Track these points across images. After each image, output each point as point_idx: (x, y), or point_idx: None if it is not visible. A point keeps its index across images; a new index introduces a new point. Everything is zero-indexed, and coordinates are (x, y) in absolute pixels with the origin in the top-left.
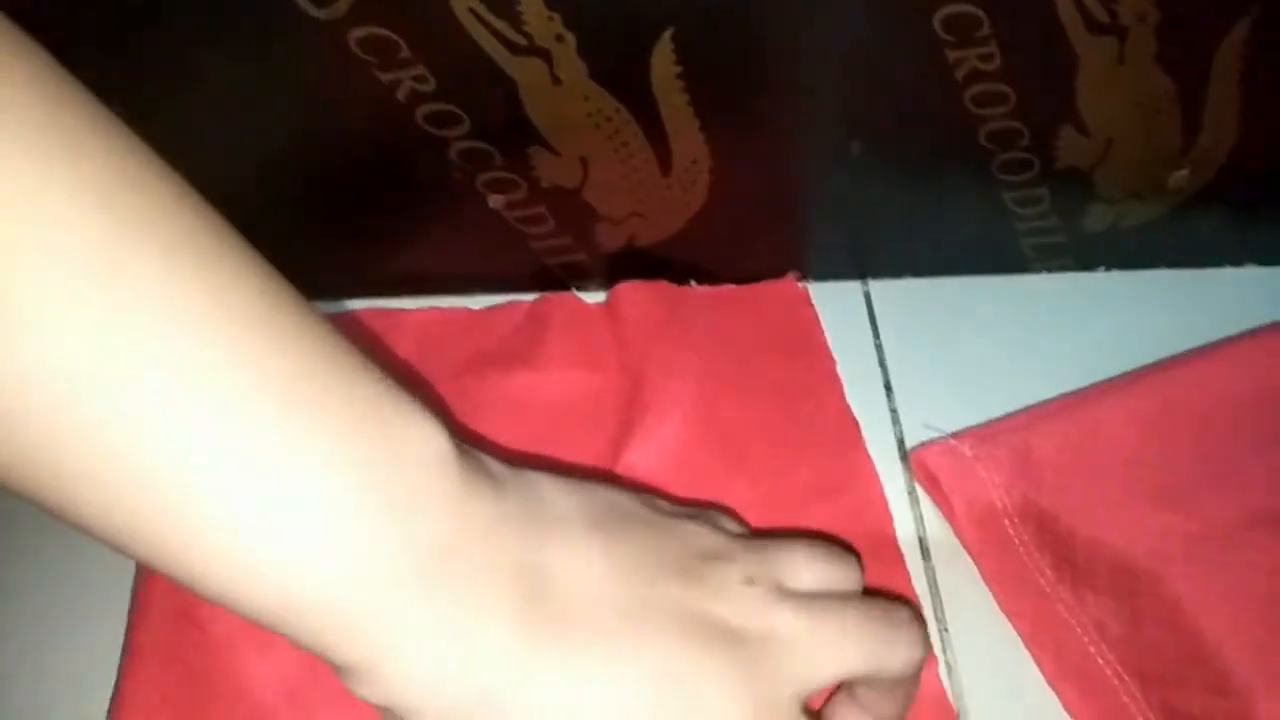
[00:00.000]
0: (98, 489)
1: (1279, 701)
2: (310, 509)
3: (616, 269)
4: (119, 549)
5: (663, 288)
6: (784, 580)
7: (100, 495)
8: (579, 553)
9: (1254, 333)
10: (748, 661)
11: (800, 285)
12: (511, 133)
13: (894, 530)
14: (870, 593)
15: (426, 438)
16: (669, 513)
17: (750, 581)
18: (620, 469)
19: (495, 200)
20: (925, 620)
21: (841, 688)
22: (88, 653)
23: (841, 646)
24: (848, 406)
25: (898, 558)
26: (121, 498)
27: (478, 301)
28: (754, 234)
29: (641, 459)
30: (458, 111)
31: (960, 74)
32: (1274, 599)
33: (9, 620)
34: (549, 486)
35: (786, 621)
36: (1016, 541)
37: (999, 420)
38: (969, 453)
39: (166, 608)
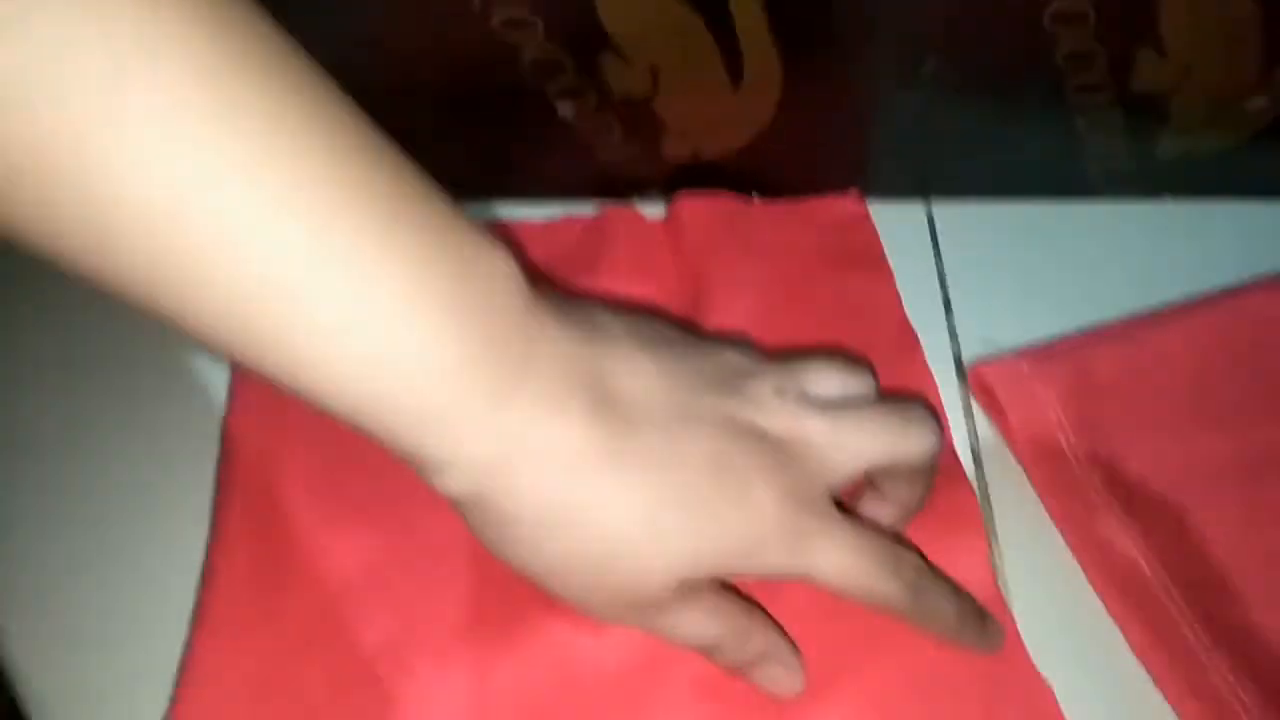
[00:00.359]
0: (203, 291)
1: None
2: (397, 314)
3: (680, 181)
4: (216, 348)
5: (723, 201)
6: (808, 389)
7: (202, 295)
8: (634, 366)
9: None
10: (784, 459)
11: (861, 201)
12: (584, 40)
13: (950, 436)
14: (887, 396)
15: (499, 260)
16: (706, 339)
17: (780, 392)
18: None
19: (565, 108)
20: (939, 414)
21: (866, 485)
22: (174, 535)
23: (860, 441)
24: (906, 319)
25: (955, 463)
26: (223, 300)
27: (541, 210)
28: (819, 150)
29: None
30: (531, 18)
31: None
32: None
33: (96, 503)
34: (603, 312)
35: (813, 424)
36: (1070, 455)
37: (1058, 340)
38: (1027, 369)
39: (250, 487)
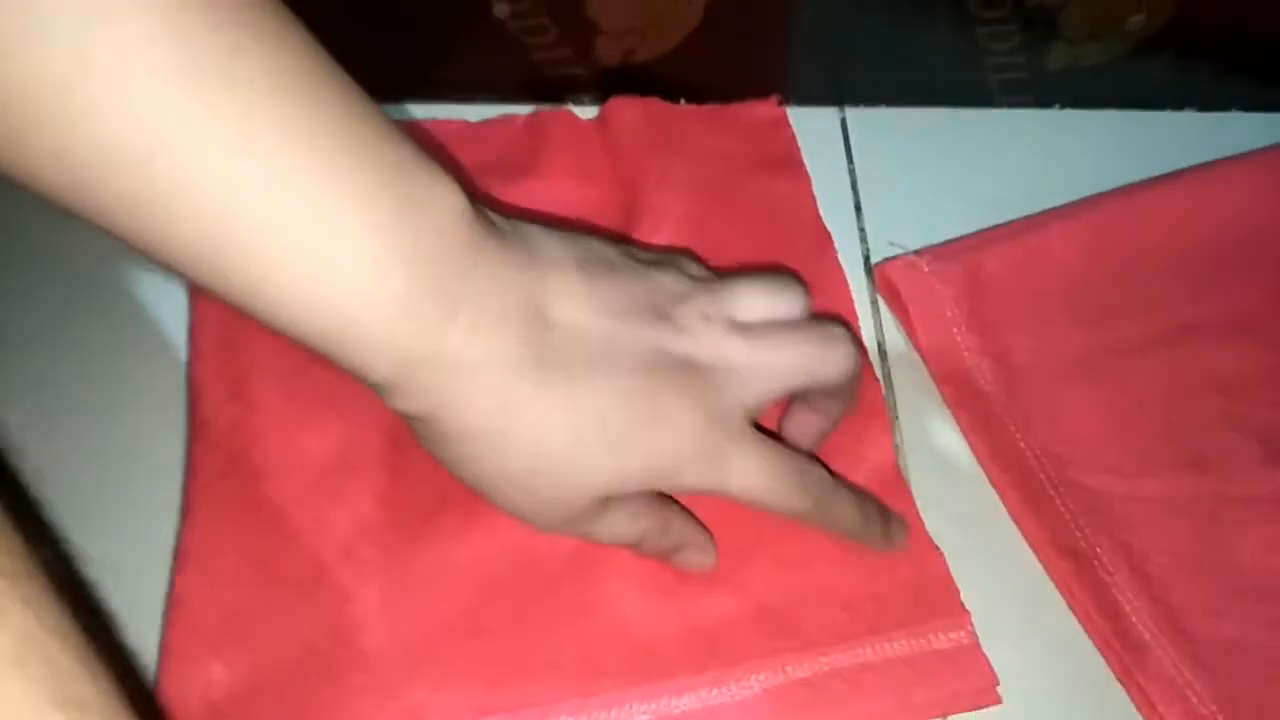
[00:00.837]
0: (170, 227)
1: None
2: (346, 245)
3: (612, 84)
4: (187, 276)
5: (652, 104)
6: (736, 314)
7: (169, 231)
8: (569, 290)
9: (1183, 172)
10: (705, 385)
11: (780, 107)
12: None
13: (859, 326)
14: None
15: (448, 192)
16: (643, 260)
17: (706, 318)
18: None
19: (500, 9)
20: (859, 336)
21: (795, 399)
22: (154, 437)
23: (779, 365)
24: (821, 221)
25: (863, 350)
26: (190, 235)
27: (474, 111)
28: (742, 57)
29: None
30: None
31: None
32: (1173, 403)
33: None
34: (542, 235)
35: (735, 349)
36: (963, 347)
37: (956, 240)
38: (926, 268)
39: (218, 388)
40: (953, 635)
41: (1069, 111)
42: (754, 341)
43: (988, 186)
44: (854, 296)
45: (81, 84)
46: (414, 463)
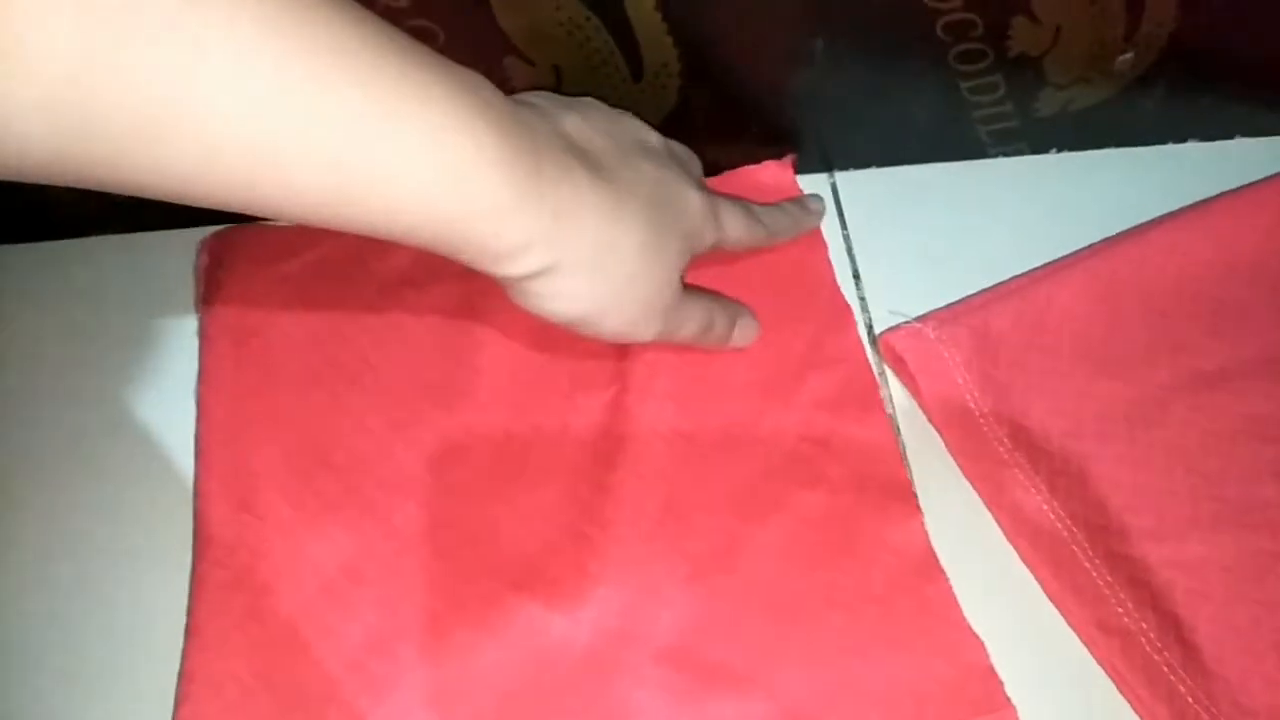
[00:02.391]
0: (302, 180)
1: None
2: (442, 142)
3: None
4: (307, 218)
5: None
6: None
7: (297, 184)
8: (574, 124)
9: (1190, 208)
10: (687, 172)
11: (788, 167)
12: (486, 44)
13: (880, 395)
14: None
15: (481, 79)
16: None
17: (700, 187)
18: (629, 359)
19: None
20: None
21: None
22: (160, 554)
23: (729, 226)
24: (837, 287)
25: (884, 421)
26: (319, 183)
27: None
28: (724, 132)
29: (646, 347)
30: (433, 26)
31: None
32: (1205, 454)
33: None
34: (547, 102)
35: (695, 198)
36: (977, 414)
37: (959, 302)
38: (932, 335)
39: (226, 500)
40: None
41: (1066, 155)
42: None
43: (988, 240)
44: None
45: (195, 77)
46: (424, 570)
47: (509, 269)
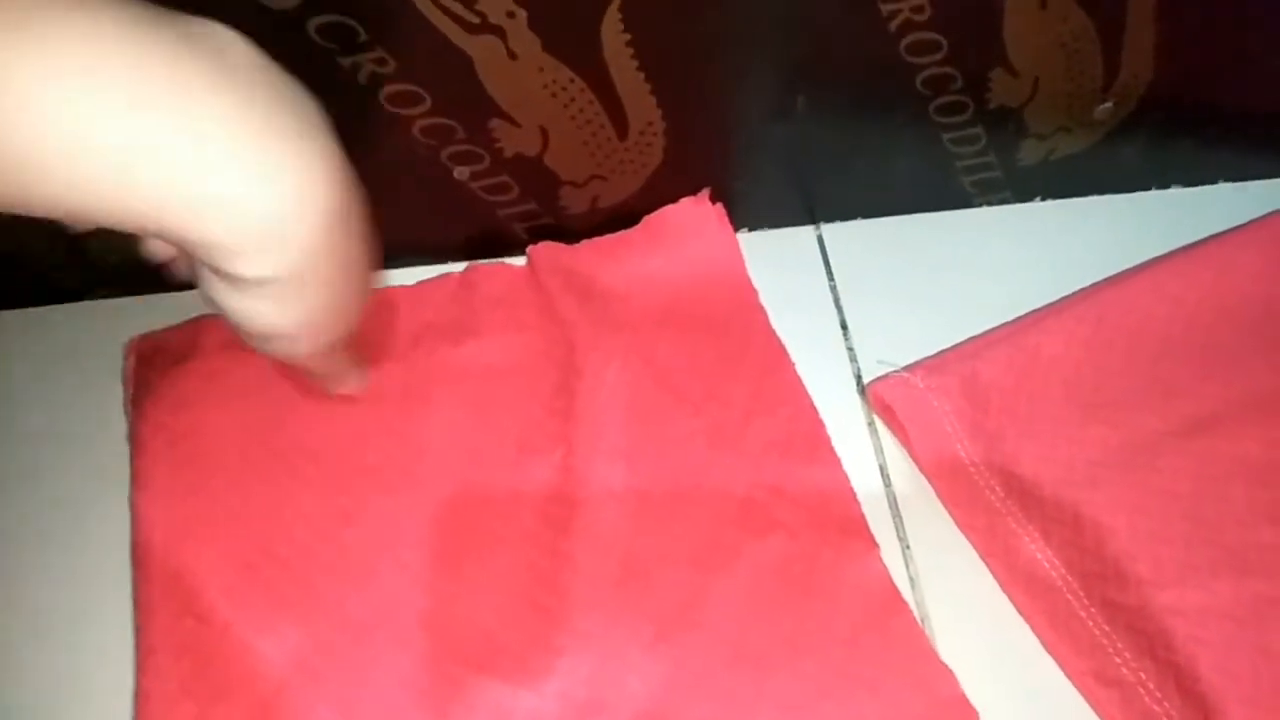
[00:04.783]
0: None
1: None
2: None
3: (585, 227)
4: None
5: (576, 247)
6: None
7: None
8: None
9: (1176, 252)
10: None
11: (704, 200)
12: (472, 108)
13: (827, 433)
14: None
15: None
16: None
17: None
18: (573, 420)
19: (461, 172)
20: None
21: None
22: (101, 660)
23: None
24: (771, 329)
25: (834, 459)
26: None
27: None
28: (710, 186)
29: (589, 407)
30: (419, 90)
31: (894, 25)
32: (1200, 498)
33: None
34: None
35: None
36: (968, 463)
37: (948, 350)
38: (921, 384)
39: (168, 608)
40: None
41: (1050, 203)
42: None
43: (974, 288)
44: (848, 419)
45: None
46: (381, 660)
47: (236, 266)
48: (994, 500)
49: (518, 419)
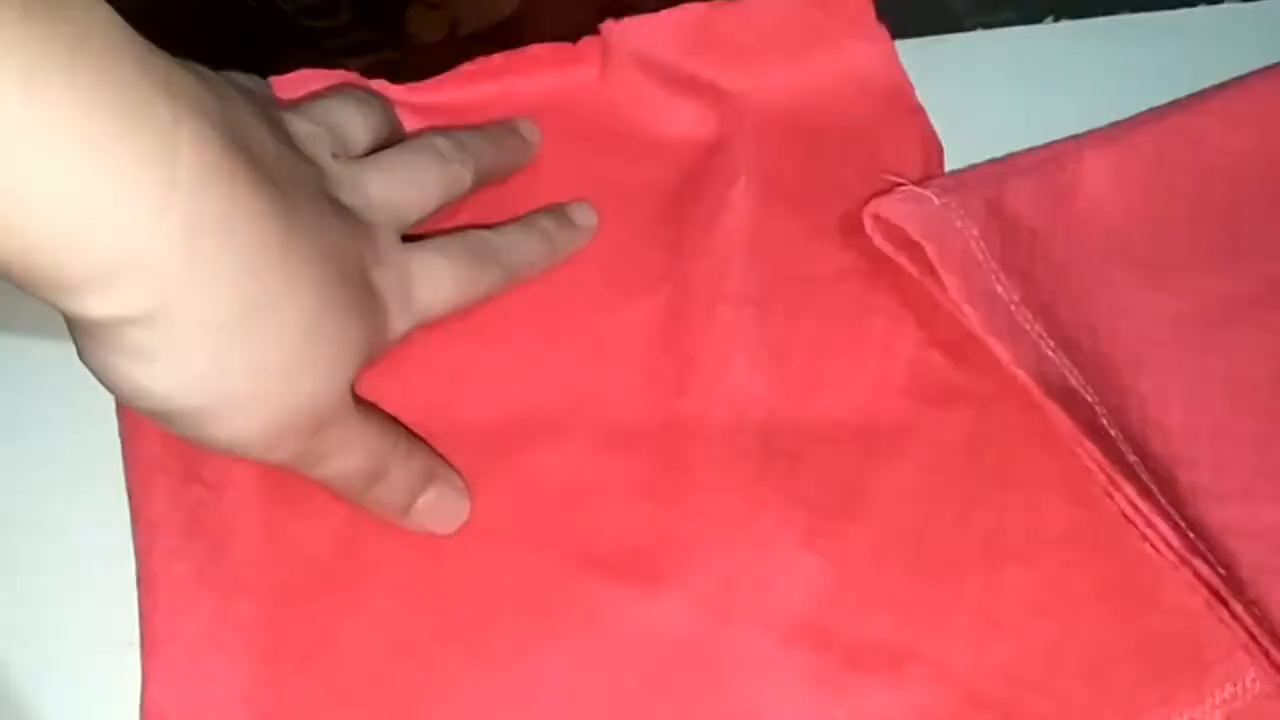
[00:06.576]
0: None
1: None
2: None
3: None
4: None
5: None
6: (350, 144)
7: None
8: (261, 130)
9: (1251, 77)
10: (364, 230)
11: None
12: None
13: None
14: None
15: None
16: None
17: (335, 156)
18: (684, 254)
19: None
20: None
21: None
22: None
23: (416, 187)
24: (908, 81)
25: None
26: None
27: None
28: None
29: (703, 238)
30: None
31: None
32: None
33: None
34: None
35: (374, 187)
36: (1008, 301)
37: (966, 170)
38: (937, 200)
39: (169, 474)
40: None
41: (1065, 24)
42: (384, 171)
43: (986, 114)
44: None
45: None
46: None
47: (83, 304)
48: (1046, 350)
49: (606, 249)
